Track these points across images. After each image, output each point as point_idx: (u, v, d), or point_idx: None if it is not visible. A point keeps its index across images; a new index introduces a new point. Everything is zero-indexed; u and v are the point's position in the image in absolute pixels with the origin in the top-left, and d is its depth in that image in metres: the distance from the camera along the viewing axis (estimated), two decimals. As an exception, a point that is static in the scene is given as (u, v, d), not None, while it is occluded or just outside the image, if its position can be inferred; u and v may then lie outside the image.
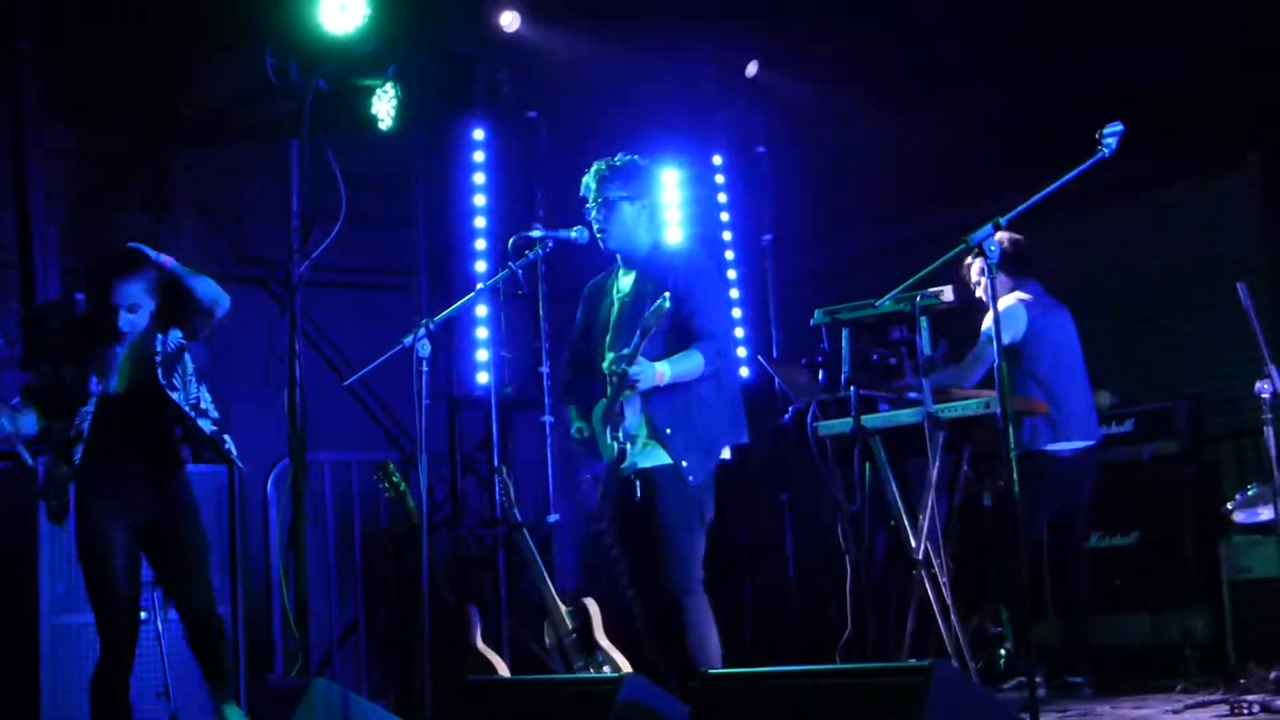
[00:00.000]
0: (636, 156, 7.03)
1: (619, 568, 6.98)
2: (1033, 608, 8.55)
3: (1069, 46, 9.90)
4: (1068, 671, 8.32)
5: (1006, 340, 8.22)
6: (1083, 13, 9.76)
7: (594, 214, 6.91)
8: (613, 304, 6.98)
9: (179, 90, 10.40)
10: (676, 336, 6.72)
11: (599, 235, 6.90)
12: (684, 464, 6.66)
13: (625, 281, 6.98)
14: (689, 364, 6.68)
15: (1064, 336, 8.56)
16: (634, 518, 6.72)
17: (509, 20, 10.25)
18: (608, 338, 6.92)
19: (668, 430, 6.66)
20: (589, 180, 6.96)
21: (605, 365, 6.81)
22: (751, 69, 11.29)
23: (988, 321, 8.28)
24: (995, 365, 5.74)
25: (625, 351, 6.58)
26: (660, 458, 6.69)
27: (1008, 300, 8.43)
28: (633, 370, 6.52)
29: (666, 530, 6.65)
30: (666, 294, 6.43)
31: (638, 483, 6.67)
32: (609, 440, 6.66)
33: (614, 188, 6.89)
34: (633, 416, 6.70)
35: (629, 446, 6.65)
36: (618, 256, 7.03)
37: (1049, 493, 8.34)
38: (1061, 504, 8.45)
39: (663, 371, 6.61)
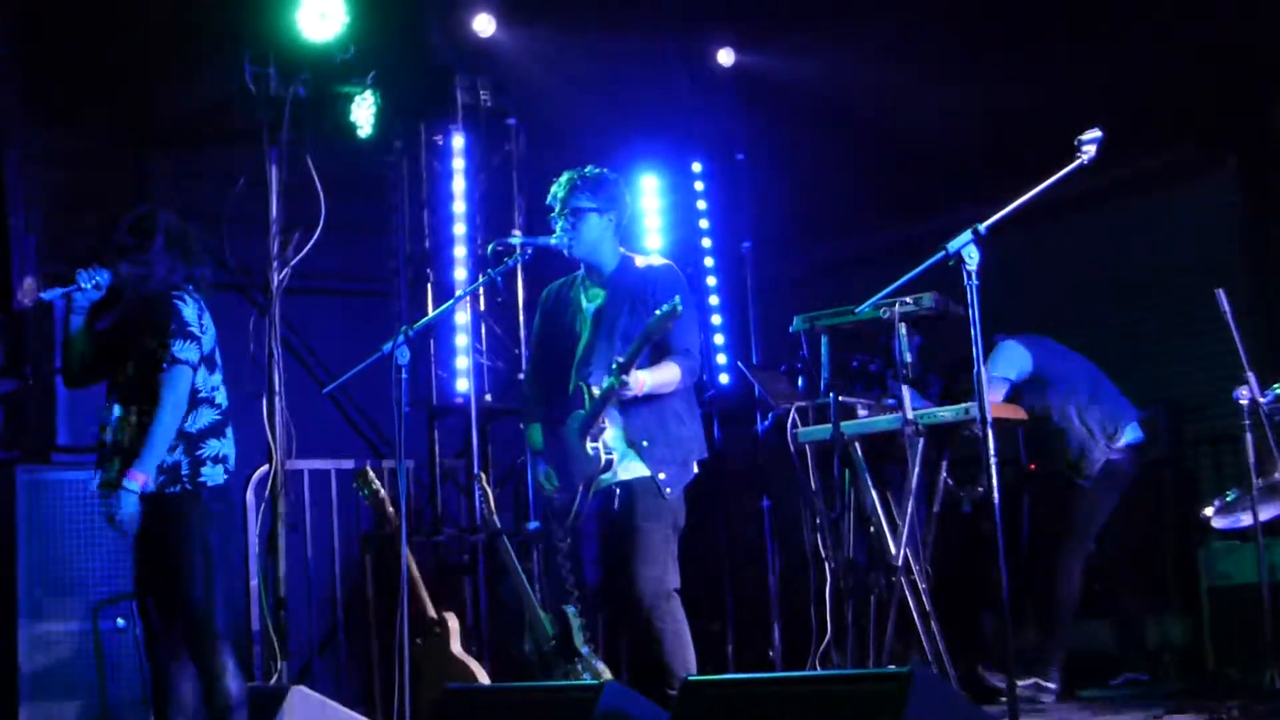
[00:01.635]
0: (606, 170, 7.05)
1: (589, 579, 6.99)
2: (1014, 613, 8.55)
3: (1047, 53, 9.92)
4: (1040, 675, 8.34)
5: (1015, 376, 8.42)
6: (1060, 19, 9.78)
7: (561, 222, 6.92)
8: (584, 317, 6.97)
9: (158, 96, 10.38)
10: (653, 349, 6.73)
11: (566, 243, 6.91)
12: (661, 476, 6.69)
13: (595, 293, 6.98)
14: (666, 375, 6.71)
15: (1065, 350, 8.67)
16: (611, 528, 6.73)
17: (483, 24, 10.24)
18: (580, 350, 6.92)
19: (645, 442, 6.69)
20: (557, 190, 6.98)
21: (577, 379, 6.82)
22: (725, 57, 11.27)
23: (995, 364, 8.40)
24: (976, 372, 5.72)
25: (620, 360, 6.58)
26: (637, 470, 6.71)
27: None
28: (630, 384, 6.54)
29: (642, 540, 6.67)
30: (677, 297, 6.44)
31: (617, 493, 6.68)
32: (590, 451, 6.65)
33: (584, 198, 6.91)
34: (610, 429, 6.71)
35: (614, 457, 6.65)
36: (581, 266, 7.04)
37: (1109, 499, 8.46)
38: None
39: (644, 380, 6.63)
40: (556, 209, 6.96)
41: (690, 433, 6.90)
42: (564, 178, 6.98)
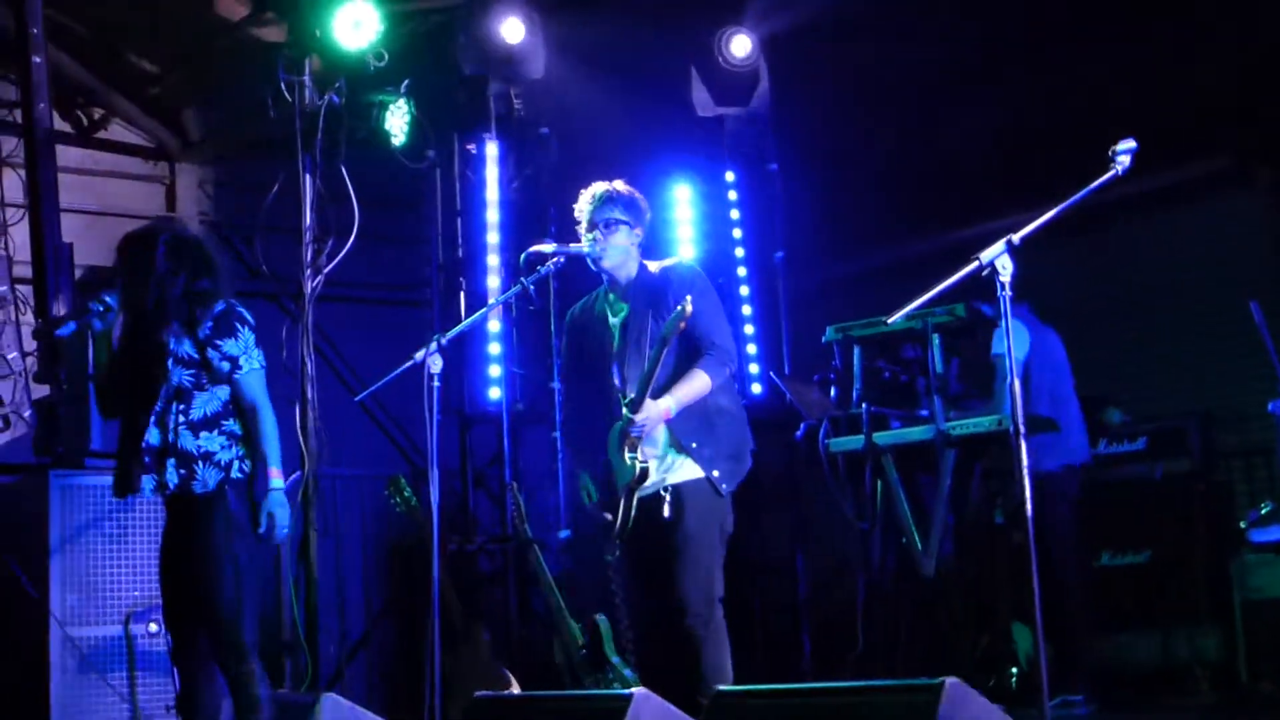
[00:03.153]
0: (633, 189, 7.05)
1: (629, 590, 6.96)
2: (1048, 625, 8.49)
3: (1080, 64, 9.89)
4: (1066, 689, 8.29)
5: (1020, 356, 8.20)
6: (1092, 30, 9.76)
7: (595, 233, 6.91)
8: (612, 332, 6.96)
9: (192, 105, 10.44)
10: (684, 349, 6.72)
11: (597, 252, 6.89)
12: (715, 474, 6.66)
13: (620, 307, 6.97)
14: (694, 387, 6.66)
15: (1060, 356, 8.57)
16: (657, 536, 6.69)
17: (511, 31, 10.25)
18: (614, 366, 6.90)
19: (693, 444, 6.66)
20: (589, 202, 6.96)
21: (614, 391, 6.81)
22: (741, 45, 11.24)
23: (997, 344, 8.27)
24: (1009, 383, 5.71)
25: (630, 397, 6.59)
26: (690, 471, 6.68)
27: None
28: (638, 422, 6.53)
29: (690, 545, 6.62)
30: (689, 297, 6.43)
31: (668, 498, 6.65)
32: (628, 461, 6.62)
33: (617, 210, 6.91)
34: (657, 432, 6.68)
35: (652, 465, 6.63)
36: (604, 281, 7.04)
37: (1065, 509, 8.34)
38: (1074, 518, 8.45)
39: (668, 408, 6.60)
40: (586, 221, 6.95)
41: (737, 425, 6.85)
42: (596, 192, 6.97)
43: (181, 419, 6.13)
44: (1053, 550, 8.21)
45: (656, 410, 6.57)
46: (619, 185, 7.00)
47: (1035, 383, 8.35)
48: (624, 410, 6.61)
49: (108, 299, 6.26)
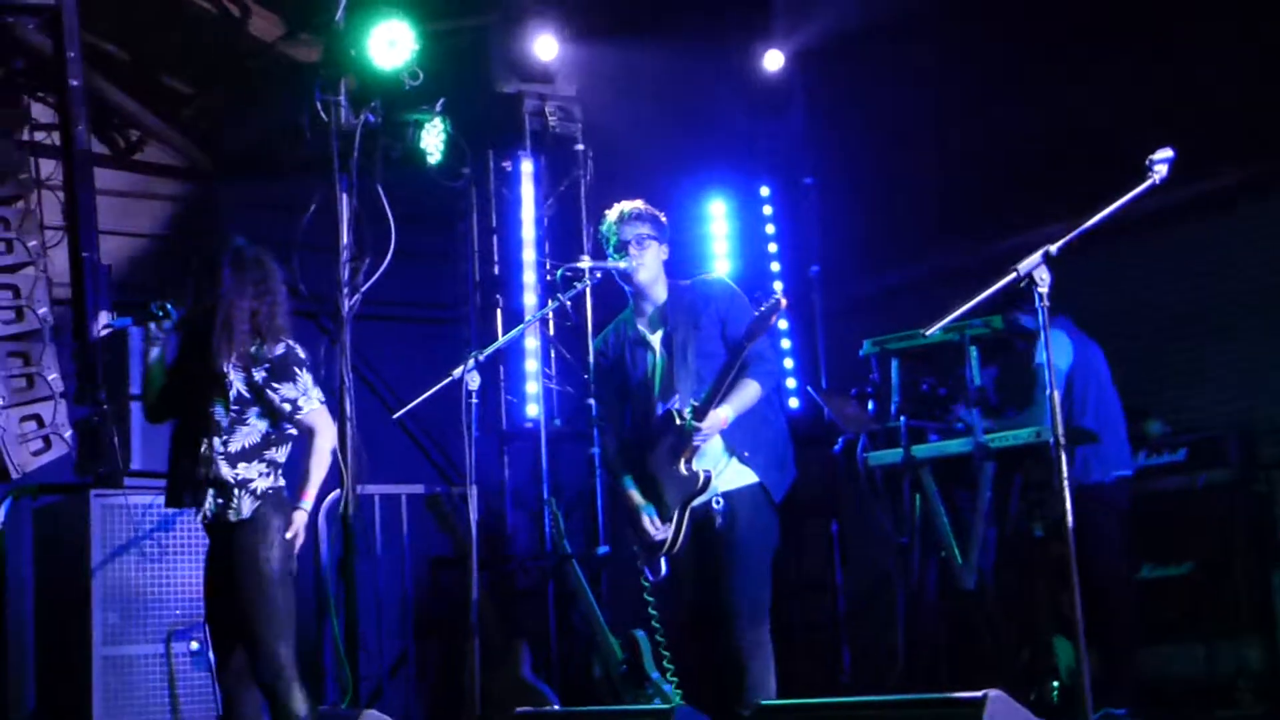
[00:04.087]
0: (652, 208, 7.07)
1: (675, 604, 6.94)
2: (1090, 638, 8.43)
3: (1117, 70, 9.86)
4: (1109, 702, 8.24)
5: (1064, 366, 8.16)
6: (1131, 37, 9.73)
7: (630, 250, 6.91)
8: (652, 349, 6.96)
9: (228, 125, 10.48)
10: (734, 363, 6.73)
11: (633, 268, 6.90)
12: (766, 482, 6.68)
13: (655, 324, 6.97)
14: (748, 396, 6.70)
15: (1103, 367, 8.52)
16: (708, 546, 6.70)
17: (545, 48, 10.27)
18: (659, 379, 6.89)
19: (746, 453, 6.68)
20: (617, 221, 6.97)
21: (664, 406, 6.80)
22: (774, 60, 11.25)
23: (1039, 355, 8.24)
24: (1048, 394, 5.69)
25: (694, 404, 6.59)
26: (743, 478, 6.70)
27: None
28: (704, 429, 6.55)
29: (743, 552, 6.64)
30: (778, 285, 6.48)
31: (719, 504, 6.66)
32: (686, 472, 6.63)
33: (647, 226, 6.95)
34: (710, 443, 6.69)
35: (712, 472, 6.64)
36: (630, 301, 7.04)
37: (1112, 521, 8.28)
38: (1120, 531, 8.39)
39: (726, 417, 6.62)
40: (615, 240, 6.95)
41: (782, 435, 6.92)
42: (622, 210, 6.99)
43: (219, 450, 6.17)
44: (1098, 562, 8.14)
45: (717, 420, 6.60)
46: (641, 204, 7.03)
47: (1079, 394, 8.30)
48: (681, 420, 6.62)
49: (169, 307, 6.31)
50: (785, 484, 6.83)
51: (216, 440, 6.18)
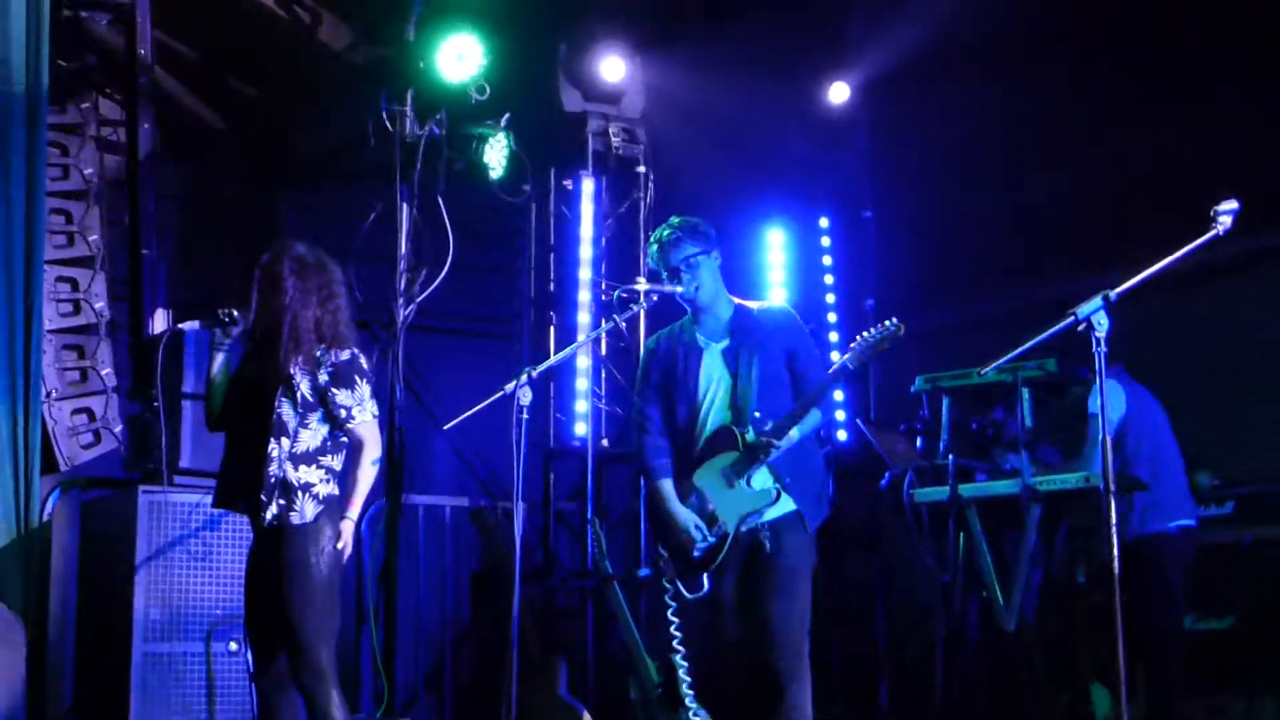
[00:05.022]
0: (687, 217, 7.03)
1: (712, 625, 6.92)
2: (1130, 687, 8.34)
3: (1183, 120, 9.82)
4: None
5: (1114, 418, 8.07)
6: (1197, 86, 9.69)
7: (681, 275, 6.88)
8: (712, 361, 6.93)
9: (293, 131, 10.52)
10: (777, 382, 6.73)
11: (691, 293, 6.87)
12: (804, 511, 6.68)
13: (716, 338, 6.95)
14: (810, 423, 6.73)
15: (1159, 416, 8.44)
16: (752, 569, 6.70)
17: (612, 69, 10.32)
18: (722, 395, 6.88)
19: (787, 480, 6.68)
20: (660, 249, 6.92)
21: (723, 423, 6.79)
22: (839, 92, 11.27)
23: (1093, 403, 8.17)
24: (1099, 440, 5.67)
25: (773, 423, 6.60)
26: (782, 506, 6.69)
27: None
28: (780, 446, 6.57)
29: (788, 579, 6.64)
30: (894, 320, 6.50)
31: (765, 531, 6.66)
32: (752, 490, 6.63)
33: (689, 245, 6.89)
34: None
35: (774, 489, 6.66)
36: (687, 313, 7.02)
37: (1174, 572, 8.17)
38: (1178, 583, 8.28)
39: (794, 437, 6.64)
40: (666, 270, 6.91)
41: (821, 470, 6.96)
42: (660, 239, 6.93)
43: (286, 451, 6.20)
44: (1154, 614, 8.06)
45: (791, 441, 6.61)
46: (676, 220, 6.98)
47: (1132, 445, 8.21)
48: (747, 437, 6.62)
49: (235, 314, 6.34)
50: (820, 516, 6.83)
51: (284, 440, 6.20)
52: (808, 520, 6.72)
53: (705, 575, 6.72)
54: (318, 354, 6.27)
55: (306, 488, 6.19)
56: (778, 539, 6.66)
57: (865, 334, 6.61)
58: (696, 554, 6.73)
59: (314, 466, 6.24)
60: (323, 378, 6.25)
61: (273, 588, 6.21)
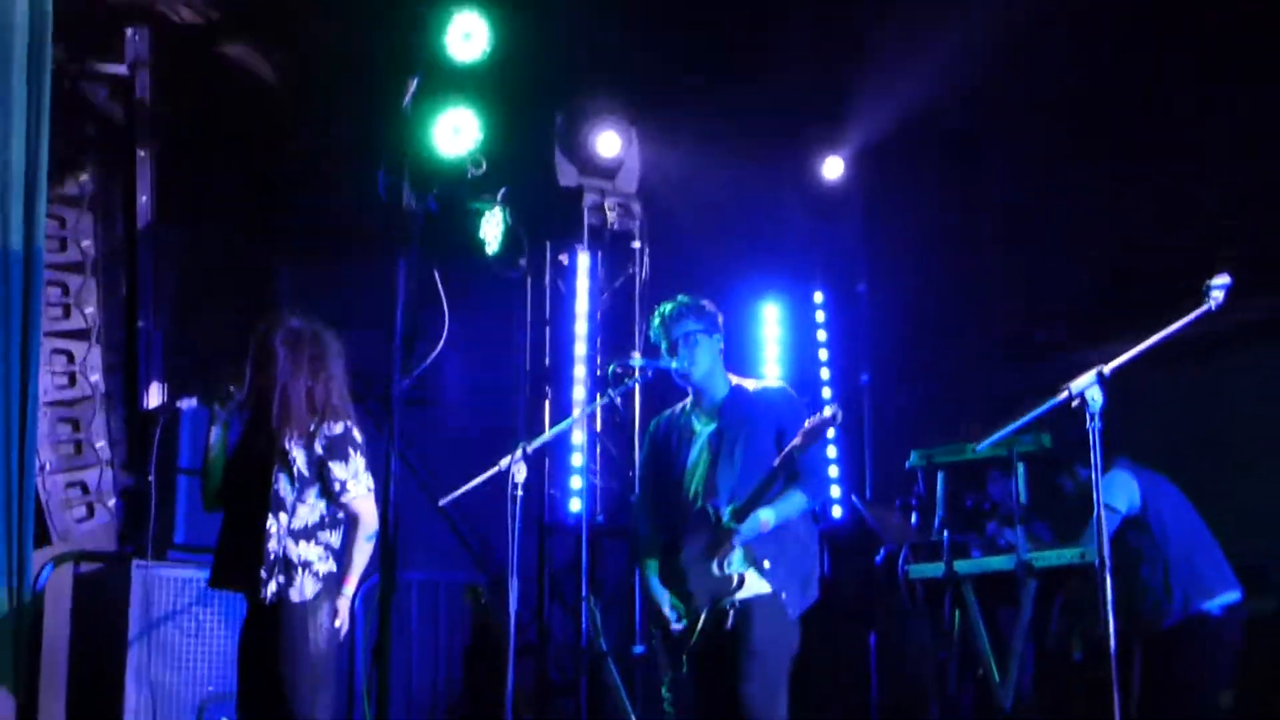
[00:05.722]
0: (700, 298, 7.05)
1: (698, 706, 6.90)
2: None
3: (1169, 195, 9.86)
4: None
5: (1124, 509, 8.02)
6: (1185, 153, 9.72)
7: (679, 349, 6.92)
8: (700, 442, 6.96)
9: (289, 203, 10.55)
10: (781, 471, 6.72)
11: (686, 368, 6.92)
12: (784, 595, 6.65)
13: (708, 418, 6.98)
14: (791, 506, 6.70)
15: (1178, 497, 8.36)
16: (724, 651, 6.66)
17: (608, 145, 10.36)
18: (695, 478, 6.90)
19: (766, 563, 6.65)
20: (662, 323, 6.97)
21: (700, 503, 6.80)
22: (831, 170, 11.31)
23: (1109, 495, 8.09)
24: (1096, 515, 5.66)
25: (735, 504, 6.58)
26: (758, 588, 6.66)
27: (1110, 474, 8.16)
28: (743, 531, 6.54)
29: (756, 662, 6.59)
30: (834, 408, 6.52)
31: (732, 614, 6.63)
32: (718, 572, 6.61)
33: (690, 322, 6.95)
34: (735, 549, 6.67)
35: (746, 574, 6.62)
36: (689, 394, 7.04)
37: (1222, 655, 8.05)
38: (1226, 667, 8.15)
39: (766, 520, 6.63)
40: (666, 342, 6.96)
41: (811, 555, 6.86)
42: (664, 310, 7.00)
43: (285, 527, 6.18)
44: (1190, 697, 7.92)
45: (756, 523, 6.59)
46: (684, 298, 7.03)
47: (1157, 529, 8.06)
48: (718, 520, 6.61)
49: (231, 389, 6.34)
50: (804, 604, 6.77)
51: (283, 516, 6.18)
52: (786, 606, 6.67)
53: (683, 656, 6.73)
54: (311, 426, 6.26)
55: (306, 565, 6.17)
56: (746, 621, 6.62)
57: (808, 421, 6.58)
58: (673, 632, 6.74)
59: (313, 543, 6.22)
60: (318, 450, 6.24)
61: (269, 665, 6.17)
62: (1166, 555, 8.00)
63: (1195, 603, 8.01)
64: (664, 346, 6.96)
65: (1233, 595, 8.14)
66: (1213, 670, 8.03)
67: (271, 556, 6.13)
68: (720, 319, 7.08)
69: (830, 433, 10.79)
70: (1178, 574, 7.99)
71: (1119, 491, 7.99)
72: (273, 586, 6.12)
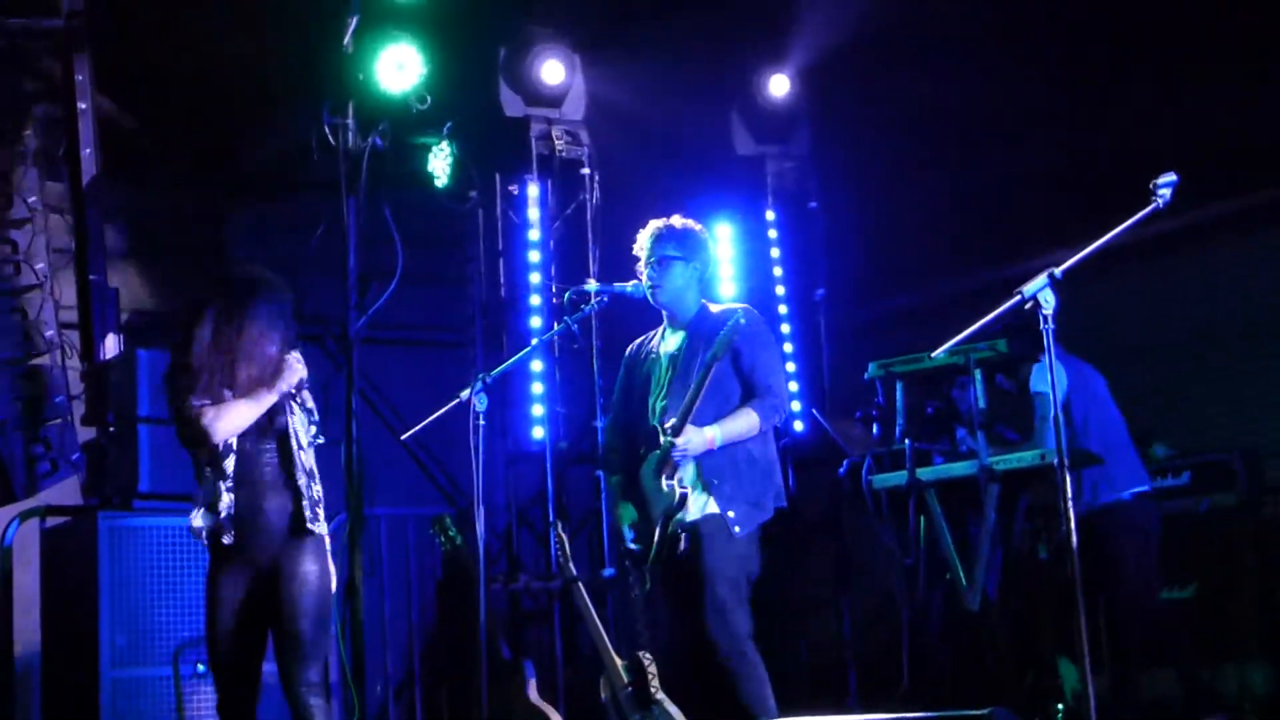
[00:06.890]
0: (692, 221, 7.07)
1: (661, 621, 6.96)
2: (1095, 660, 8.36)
3: (1122, 97, 9.88)
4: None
5: (1047, 392, 8.11)
6: (1139, 62, 9.74)
7: (648, 271, 6.96)
8: (661, 363, 7.00)
9: (236, 148, 10.50)
10: (730, 388, 6.75)
11: (651, 290, 6.95)
12: (730, 514, 6.66)
13: (672, 341, 7.01)
14: (741, 424, 6.71)
15: (1101, 389, 8.49)
16: (681, 572, 6.71)
17: (552, 72, 10.34)
18: (656, 396, 6.94)
19: (714, 480, 6.67)
20: (645, 238, 7.01)
21: (653, 421, 6.84)
22: (780, 84, 11.28)
23: (1037, 382, 8.21)
24: (1051, 417, 5.71)
25: (671, 422, 6.62)
26: (707, 508, 6.70)
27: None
28: (679, 445, 6.56)
29: (708, 582, 6.63)
30: (739, 313, 6.52)
31: (684, 535, 6.66)
32: (665, 488, 6.64)
33: (670, 246, 6.95)
34: (688, 467, 6.70)
35: (691, 492, 6.65)
36: (664, 317, 7.07)
37: (1132, 540, 8.22)
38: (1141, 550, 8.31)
39: (713, 437, 6.64)
40: (644, 257, 6.99)
41: (762, 473, 6.85)
42: (652, 226, 7.02)
43: (304, 465, 6.13)
44: (1122, 585, 8.13)
45: (701, 437, 6.62)
46: (675, 220, 7.03)
47: (1079, 418, 8.27)
48: (664, 435, 6.64)
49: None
50: (754, 520, 6.77)
51: (301, 455, 6.14)
52: (732, 525, 6.69)
53: (647, 572, 6.77)
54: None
55: (318, 501, 6.14)
56: (697, 543, 6.66)
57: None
58: (634, 549, 6.79)
59: (316, 481, 6.20)
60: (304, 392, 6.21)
61: (292, 598, 6.09)
62: (1085, 447, 8.10)
63: (1102, 494, 8.14)
64: (641, 262, 6.99)
65: (1142, 487, 8.27)
66: (1123, 554, 8.14)
67: (306, 489, 6.09)
68: (709, 247, 7.08)
69: (789, 347, 10.92)
70: (1090, 468, 8.10)
71: (1045, 377, 8.04)
72: (309, 516, 6.06)
